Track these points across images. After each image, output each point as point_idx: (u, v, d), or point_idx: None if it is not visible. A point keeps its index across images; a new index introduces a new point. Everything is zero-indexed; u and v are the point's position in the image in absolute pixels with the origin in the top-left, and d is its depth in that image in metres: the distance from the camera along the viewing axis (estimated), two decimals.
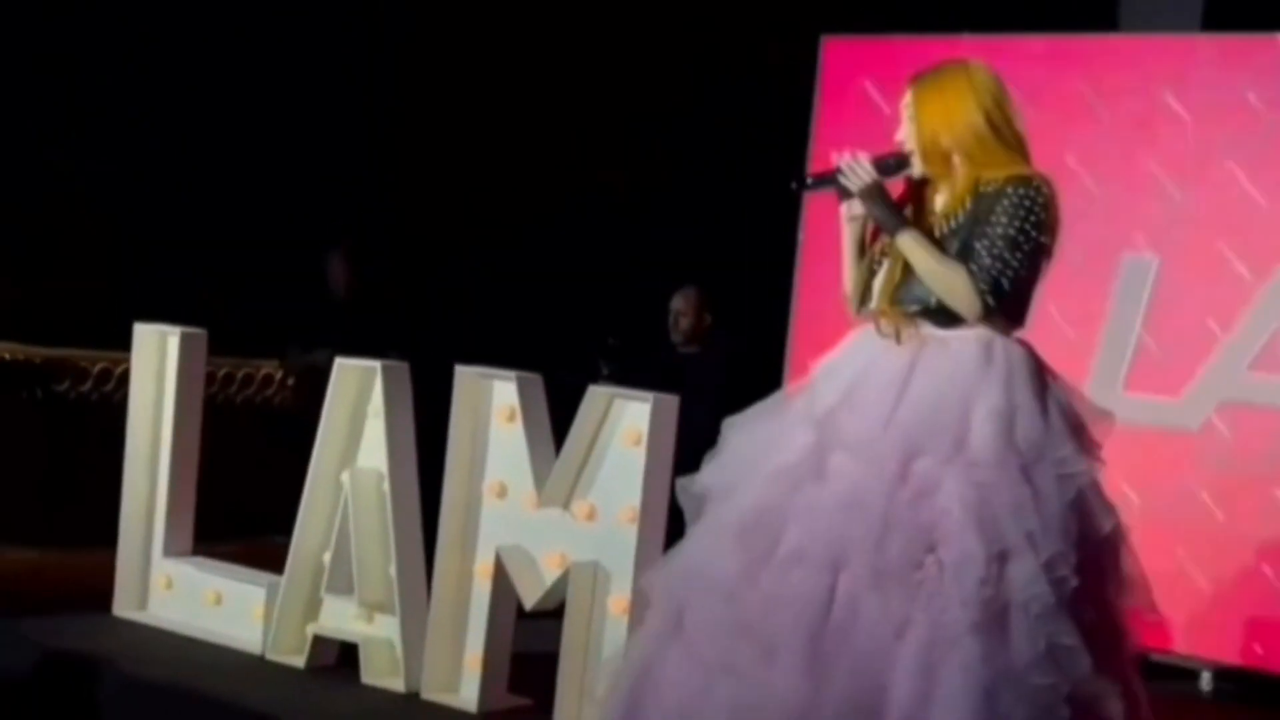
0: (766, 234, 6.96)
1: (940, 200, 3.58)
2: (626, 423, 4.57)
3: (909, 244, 3.50)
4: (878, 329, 3.54)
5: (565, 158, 7.85)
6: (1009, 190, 3.46)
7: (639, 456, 4.52)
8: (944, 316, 3.48)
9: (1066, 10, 6.42)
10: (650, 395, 4.55)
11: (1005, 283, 3.42)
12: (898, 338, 3.50)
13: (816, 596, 3.27)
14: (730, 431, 3.62)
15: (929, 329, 3.49)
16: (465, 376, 4.86)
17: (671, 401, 4.58)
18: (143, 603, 5.48)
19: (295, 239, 7.77)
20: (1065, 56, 6.14)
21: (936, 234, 3.51)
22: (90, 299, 7.49)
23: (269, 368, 7.79)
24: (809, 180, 3.79)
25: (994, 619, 3.21)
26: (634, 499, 4.50)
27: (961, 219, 3.50)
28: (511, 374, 4.79)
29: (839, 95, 6.59)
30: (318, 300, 7.39)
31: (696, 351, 7.07)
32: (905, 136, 3.60)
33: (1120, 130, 6.02)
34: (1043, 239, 3.45)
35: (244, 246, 7.82)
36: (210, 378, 7.48)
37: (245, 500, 6.54)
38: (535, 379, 4.81)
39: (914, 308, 3.50)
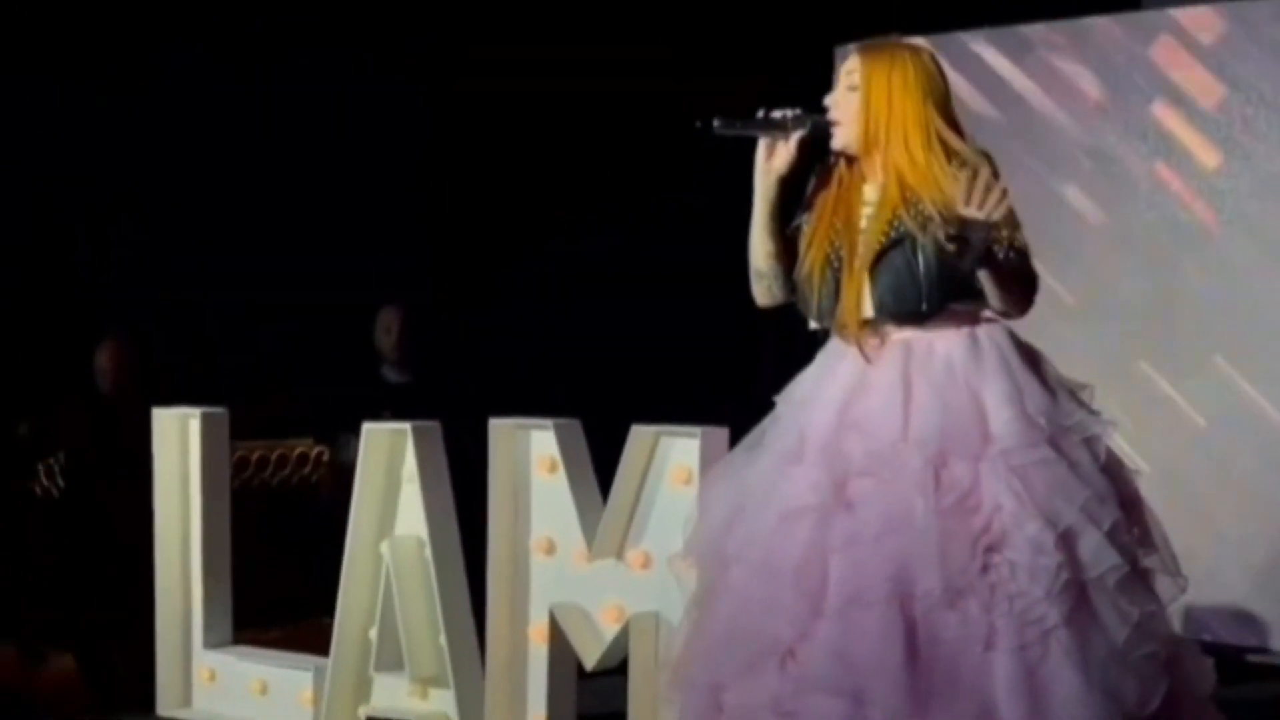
0: None
1: (869, 190, 3.34)
2: (675, 460, 4.33)
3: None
4: (844, 339, 3.32)
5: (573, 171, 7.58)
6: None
7: (691, 495, 4.24)
8: (898, 317, 3.27)
9: None
10: (698, 430, 4.30)
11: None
12: (862, 350, 3.28)
13: (892, 632, 3.06)
14: (713, 483, 3.46)
15: (899, 333, 3.28)
16: (500, 429, 4.63)
17: (721, 435, 4.33)
18: (186, 699, 5.24)
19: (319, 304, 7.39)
20: None
21: (864, 223, 3.30)
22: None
23: (303, 446, 7.59)
24: (723, 122, 3.32)
25: (1077, 603, 3.08)
26: None
27: (909, 226, 3.23)
28: (548, 422, 4.56)
29: None
30: (363, 373, 7.00)
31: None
32: (837, 105, 3.35)
33: None
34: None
35: (268, 314, 7.45)
36: (243, 462, 7.35)
37: (290, 584, 6.32)
38: (574, 425, 4.57)
39: (871, 313, 3.29)
